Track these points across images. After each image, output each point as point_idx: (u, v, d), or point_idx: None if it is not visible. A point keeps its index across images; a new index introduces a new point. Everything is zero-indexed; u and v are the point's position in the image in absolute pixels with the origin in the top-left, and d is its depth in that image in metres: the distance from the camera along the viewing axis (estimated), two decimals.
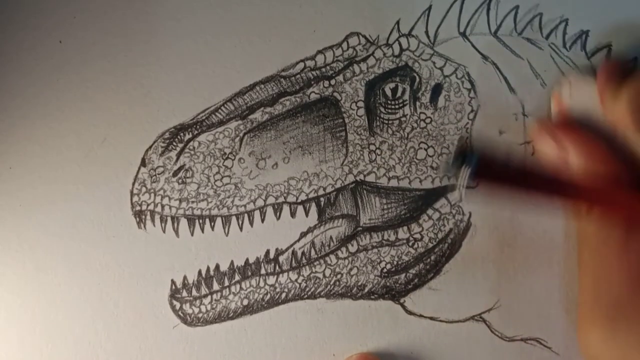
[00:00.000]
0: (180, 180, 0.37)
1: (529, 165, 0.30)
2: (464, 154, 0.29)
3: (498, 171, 0.30)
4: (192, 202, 0.37)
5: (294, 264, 0.37)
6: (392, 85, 0.37)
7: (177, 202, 0.37)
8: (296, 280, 0.37)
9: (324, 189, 0.37)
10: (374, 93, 0.37)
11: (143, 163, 0.37)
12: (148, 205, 0.37)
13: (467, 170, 0.29)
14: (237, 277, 0.37)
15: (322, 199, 0.37)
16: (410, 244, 0.37)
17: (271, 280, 0.37)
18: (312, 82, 0.37)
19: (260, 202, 0.37)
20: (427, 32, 0.38)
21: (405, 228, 0.37)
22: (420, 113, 0.37)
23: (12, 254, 0.37)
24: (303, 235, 0.37)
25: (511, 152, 0.30)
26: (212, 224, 0.37)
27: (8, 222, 0.38)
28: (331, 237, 0.37)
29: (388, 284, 0.37)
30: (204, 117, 0.37)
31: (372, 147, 0.37)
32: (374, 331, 0.37)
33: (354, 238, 0.37)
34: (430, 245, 0.37)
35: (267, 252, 0.37)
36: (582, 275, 0.33)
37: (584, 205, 0.32)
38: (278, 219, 0.37)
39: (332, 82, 0.37)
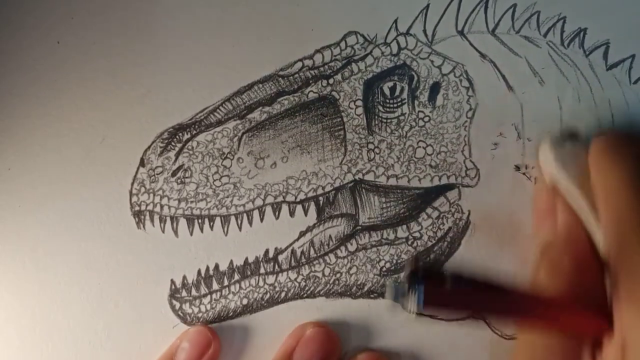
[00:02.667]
0: (179, 180, 0.37)
1: (482, 284, 0.29)
2: (410, 281, 0.28)
3: (447, 298, 0.29)
4: (191, 202, 0.37)
5: (293, 263, 0.37)
6: (390, 84, 0.37)
7: (176, 202, 0.37)
8: (295, 279, 0.37)
9: (323, 188, 0.37)
10: (372, 92, 0.37)
11: (142, 163, 0.37)
12: (147, 205, 0.37)
13: (414, 298, 0.28)
14: (236, 277, 0.37)
15: (321, 198, 0.37)
16: (410, 242, 0.37)
17: (270, 279, 0.37)
18: (311, 81, 0.37)
19: (259, 202, 0.37)
20: (425, 31, 0.37)
21: (404, 227, 0.37)
22: (419, 112, 0.37)
23: (12, 254, 0.38)
24: (302, 234, 0.37)
25: (462, 272, 0.29)
26: (211, 223, 0.37)
27: (8, 222, 0.38)
28: (330, 236, 0.37)
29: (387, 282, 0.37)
30: (202, 117, 0.37)
31: (371, 146, 0.37)
32: (373, 330, 0.37)
33: (353, 237, 0.37)
34: (430, 243, 0.37)
35: (267, 251, 0.37)
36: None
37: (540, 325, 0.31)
38: (277, 218, 0.37)
39: (331, 81, 0.37)
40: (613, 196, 0.30)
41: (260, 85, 0.37)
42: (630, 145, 0.32)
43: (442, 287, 0.28)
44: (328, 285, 0.37)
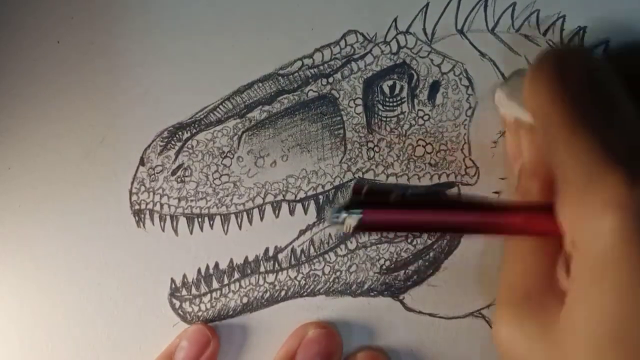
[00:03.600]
0: (179, 179, 0.37)
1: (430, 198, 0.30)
2: (348, 205, 0.29)
3: (384, 221, 0.29)
4: (191, 200, 0.37)
5: (293, 262, 0.37)
6: (390, 82, 0.37)
7: (176, 201, 0.37)
8: (295, 277, 0.37)
9: (323, 186, 0.37)
10: (372, 90, 0.37)
11: (142, 162, 0.37)
12: (147, 204, 0.37)
13: (350, 221, 0.28)
14: (236, 275, 0.37)
15: (320, 196, 0.37)
16: (409, 240, 0.37)
17: (270, 278, 0.37)
18: (310, 80, 0.37)
19: (259, 201, 0.37)
20: (424, 30, 0.38)
21: None
22: (418, 110, 0.37)
23: (12, 254, 0.38)
24: (302, 233, 0.37)
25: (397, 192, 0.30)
26: (211, 222, 0.37)
27: (7, 222, 0.38)
28: (330, 235, 0.37)
29: (387, 280, 0.37)
30: (202, 116, 0.37)
31: (371, 145, 0.37)
32: (373, 328, 0.37)
33: (352, 235, 0.37)
34: (429, 241, 0.37)
35: (267, 250, 0.37)
36: (503, 263, 0.33)
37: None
38: (277, 217, 0.37)
39: (330, 80, 0.37)
40: (541, 116, 0.30)
41: (260, 84, 0.37)
42: (545, 61, 0.32)
43: (384, 203, 0.29)
44: (328, 283, 0.37)
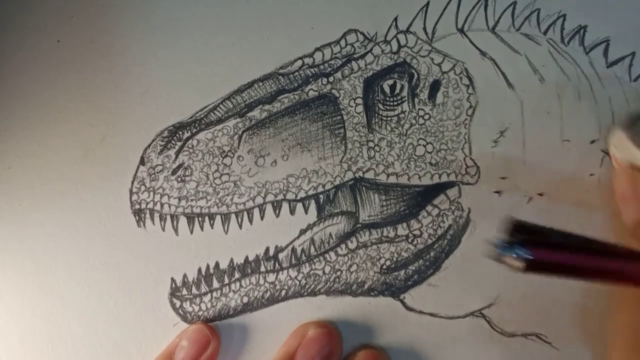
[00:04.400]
0: (179, 179, 0.37)
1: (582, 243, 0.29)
2: (513, 237, 0.27)
3: (552, 254, 0.28)
4: (192, 200, 0.37)
5: (293, 262, 0.37)
6: (390, 82, 0.37)
7: (176, 201, 0.37)
8: (296, 277, 0.37)
9: (323, 186, 0.37)
10: (372, 90, 0.37)
11: (142, 162, 0.37)
12: (147, 203, 0.37)
13: (517, 259, 0.27)
14: (236, 275, 0.37)
15: (321, 196, 0.37)
16: (410, 240, 0.37)
17: (271, 277, 0.37)
18: (311, 80, 0.37)
19: (259, 200, 0.37)
20: (425, 29, 0.38)
21: (404, 224, 0.37)
22: (419, 109, 0.37)
23: (12, 254, 0.37)
24: (302, 232, 0.37)
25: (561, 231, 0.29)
26: (212, 222, 0.37)
27: (8, 222, 0.38)
28: (330, 234, 0.37)
29: (388, 280, 0.37)
30: (202, 116, 0.37)
31: (371, 144, 0.37)
32: (373, 328, 0.37)
33: (353, 235, 0.37)
34: (430, 241, 0.37)
35: (267, 249, 0.37)
36: (621, 309, 0.33)
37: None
38: (277, 216, 0.37)
39: (331, 79, 0.37)
40: None
41: (261, 84, 0.37)
42: None
43: (547, 242, 0.28)
44: (328, 283, 0.37)
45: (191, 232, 0.37)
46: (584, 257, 0.28)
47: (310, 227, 0.37)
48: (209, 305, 0.37)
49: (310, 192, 0.37)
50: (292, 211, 0.37)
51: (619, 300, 0.33)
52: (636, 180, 0.34)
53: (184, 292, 0.37)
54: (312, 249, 0.37)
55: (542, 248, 0.27)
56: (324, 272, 0.37)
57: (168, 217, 0.37)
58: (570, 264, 0.28)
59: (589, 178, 0.37)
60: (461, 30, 0.37)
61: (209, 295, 0.37)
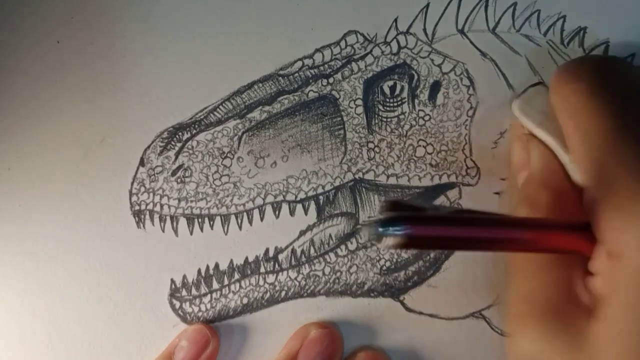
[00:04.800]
0: (179, 180, 0.37)
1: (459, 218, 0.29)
2: (389, 222, 0.27)
3: (427, 236, 0.28)
4: (191, 201, 0.37)
5: (293, 263, 0.37)
6: (390, 83, 0.37)
7: (176, 202, 0.37)
8: (296, 278, 0.37)
9: (323, 187, 0.37)
10: (373, 91, 0.37)
11: (142, 163, 0.37)
12: (147, 204, 0.37)
13: (391, 236, 0.27)
14: (236, 276, 0.37)
15: (321, 197, 0.37)
16: None
17: (271, 278, 0.37)
18: (311, 81, 0.37)
19: (259, 201, 0.37)
20: (425, 30, 0.37)
21: None
22: (419, 110, 0.37)
23: (12, 254, 0.37)
24: (302, 233, 0.37)
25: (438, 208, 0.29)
26: (211, 223, 0.37)
27: (7, 222, 0.38)
28: (330, 235, 0.37)
29: (387, 281, 0.37)
30: (202, 117, 0.37)
31: (371, 145, 0.37)
32: (373, 329, 0.37)
33: (353, 236, 0.37)
34: None
35: (267, 250, 0.37)
36: (514, 276, 0.33)
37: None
38: (277, 217, 0.37)
39: (331, 80, 0.37)
40: (579, 120, 0.30)
41: (260, 85, 0.37)
42: (582, 66, 0.32)
43: (423, 217, 0.28)
44: (328, 284, 0.37)
45: (191, 233, 0.37)
46: (462, 229, 0.28)
47: (310, 228, 0.37)
48: (208, 306, 0.37)
49: (310, 193, 0.37)
50: (291, 212, 0.37)
51: (513, 269, 0.32)
52: (528, 146, 0.34)
53: (184, 293, 0.37)
54: (312, 250, 0.37)
55: (418, 223, 0.27)
56: (323, 273, 0.37)
57: (168, 218, 0.37)
58: (449, 235, 0.28)
59: None
60: (461, 31, 0.37)
61: (209, 296, 0.37)
